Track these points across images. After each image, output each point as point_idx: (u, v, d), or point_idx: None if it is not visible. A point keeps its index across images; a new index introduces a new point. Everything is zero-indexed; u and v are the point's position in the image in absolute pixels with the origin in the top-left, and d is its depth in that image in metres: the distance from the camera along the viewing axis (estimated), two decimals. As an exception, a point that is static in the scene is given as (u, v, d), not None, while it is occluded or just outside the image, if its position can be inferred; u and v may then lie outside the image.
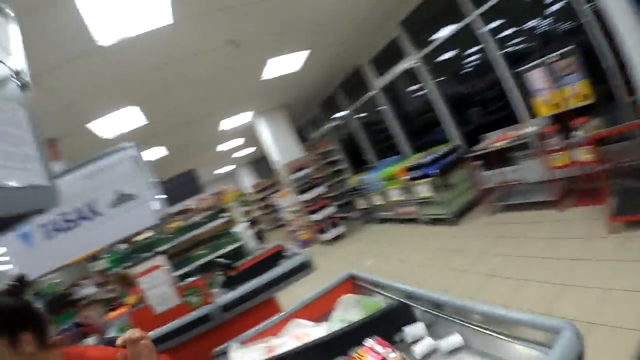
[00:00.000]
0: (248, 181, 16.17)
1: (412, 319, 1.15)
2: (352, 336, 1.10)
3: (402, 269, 4.58)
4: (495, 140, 4.51)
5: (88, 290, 3.62)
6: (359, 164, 9.26)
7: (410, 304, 1.22)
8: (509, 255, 3.54)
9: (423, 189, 5.31)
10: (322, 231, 7.40)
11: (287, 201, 7.99)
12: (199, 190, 5.46)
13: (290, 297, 3.02)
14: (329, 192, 8.04)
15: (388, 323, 1.14)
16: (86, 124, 4.73)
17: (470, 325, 1.01)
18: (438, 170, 5.00)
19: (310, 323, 1.51)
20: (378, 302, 1.31)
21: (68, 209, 2.20)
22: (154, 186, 2.31)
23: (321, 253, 7.05)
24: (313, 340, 1.28)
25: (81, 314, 3.28)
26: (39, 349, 1.19)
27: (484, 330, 0.97)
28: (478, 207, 5.20)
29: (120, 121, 5.00)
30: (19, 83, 0.85)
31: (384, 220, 7.07)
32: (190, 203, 5.85)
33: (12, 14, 0.89)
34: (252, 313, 2.52)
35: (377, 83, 7.00)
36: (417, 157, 5.86)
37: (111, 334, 2.71)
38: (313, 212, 7.36)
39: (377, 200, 6.88)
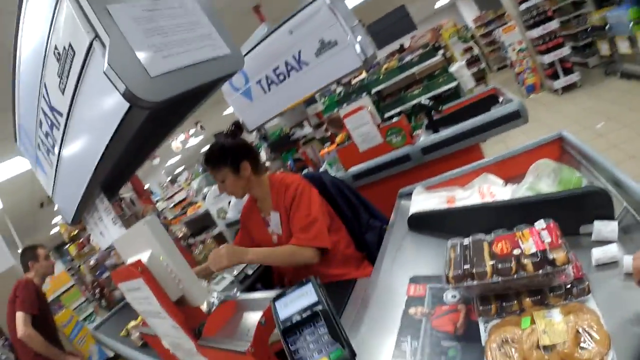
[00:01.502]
0: (469, 14, 14.12)
1: (608, 215, 0.89)
2: (530, 211, 0.97)
3: (636, 144, 3.54)
4: None
5: (305, 131, 4.23)
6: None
7: (616, 195, 0.94)
8: None
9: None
10: (552, 76, 6.12)
11: (512, 37, 6.72)
12: (411, 27, 5.04)
13: (500, 147, 2.80)
14: (563, 30, 6.37)
15: (578, 209, 0.92)
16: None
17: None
18: None
19: (500, 181, 1.41)
20: (579, 178, 1.05)
21: (278, 63, 2.47)
22: (355, 30, 2.29)
23: (547, 103, 6.08)
24: (486, 203, 1.22)
25: (300, 152, 3.97)
26: (253, 173, 1.63)
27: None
28: None
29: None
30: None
31: (629, 76, 5.27)
32: (404, 41, 5.57)
33: None
34: (453, 158, 2.49)
35: None
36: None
37: (323, 167, 3.23)
38: (542, 52, 6.05)
39: (624, 48, 5.04)
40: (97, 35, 0.80)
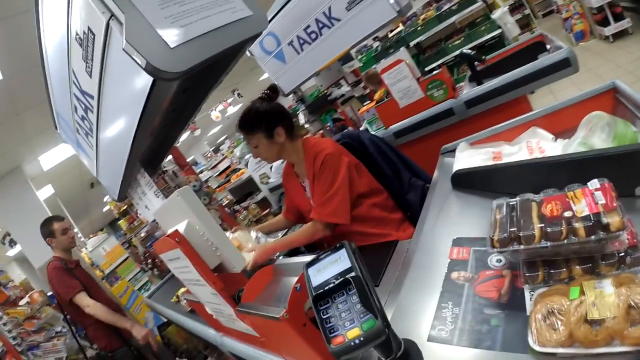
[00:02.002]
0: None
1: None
2: (582, 169, 0.87)
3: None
4: None
5: (342, 90, 4.08)
6: None
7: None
8: None
9: None
10: (601, 22, 5.53)
11: (558, -22, 6.04)
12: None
13: (549, 99, 2.60)
14: (613, -31, 5.55)
15: (634, 167, 0.81)
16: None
17: None
18: None
19: (550, 136, 1.30)
20: (635, 133, 0.94)
21: (308, 22, 2.36)
22: (387, -22, 2.14)
23: (597, 51, 5.54)
24: (535, 159, 1.14)
25: (339, 111, 3.87)
26: (287, 139, 1.59)
27: None
28: None
29: None
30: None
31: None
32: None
33: None
34: (499, 112, 2.34)
35: None
36: None
37: (363, 126, 3.14)
38: (591, -5, 5.40)
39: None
40: (112, 15, 0.80)
